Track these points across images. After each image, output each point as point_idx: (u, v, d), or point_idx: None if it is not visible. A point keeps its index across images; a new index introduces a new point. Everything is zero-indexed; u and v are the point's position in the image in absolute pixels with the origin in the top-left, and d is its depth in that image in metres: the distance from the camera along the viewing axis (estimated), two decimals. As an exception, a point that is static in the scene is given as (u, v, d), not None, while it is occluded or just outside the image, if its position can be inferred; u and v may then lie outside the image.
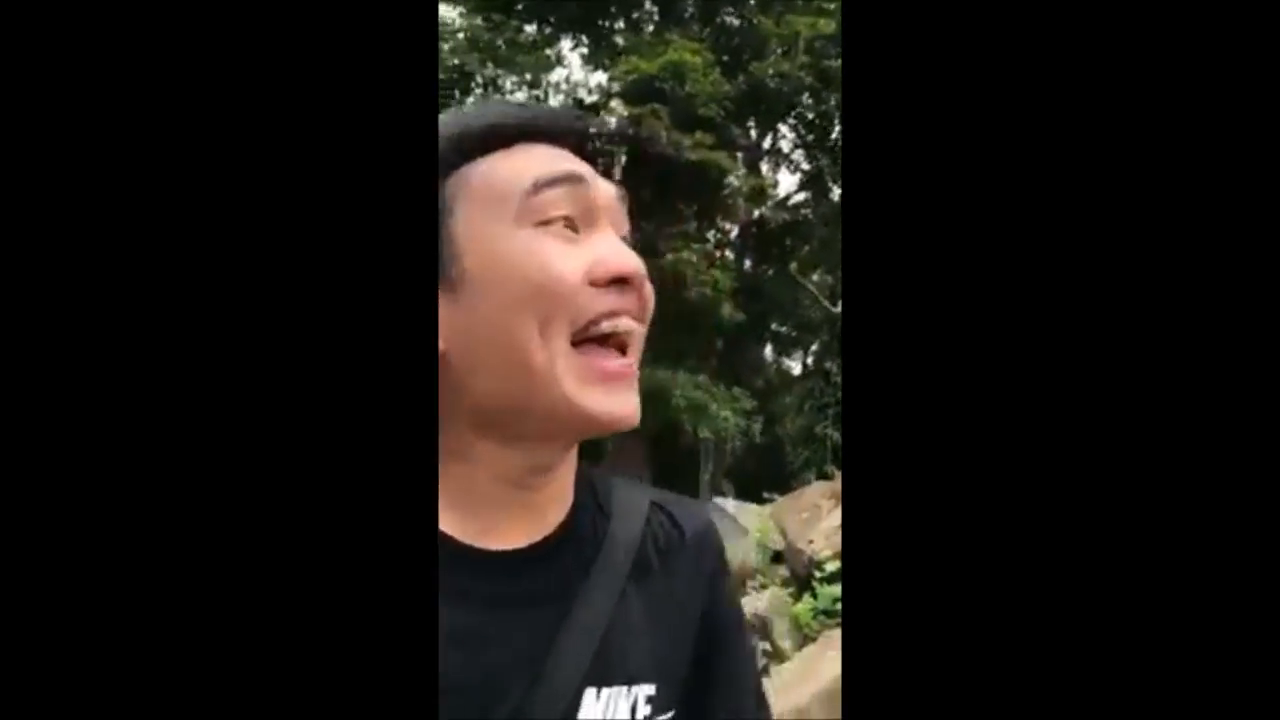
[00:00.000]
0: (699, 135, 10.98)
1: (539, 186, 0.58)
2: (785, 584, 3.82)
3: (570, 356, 0.58)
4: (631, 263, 0.60)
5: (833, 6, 12.19)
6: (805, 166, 14.25)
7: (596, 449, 11.00)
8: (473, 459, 0.61)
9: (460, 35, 12.34)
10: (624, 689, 0.62)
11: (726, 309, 11.39)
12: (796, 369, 16.11)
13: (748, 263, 13.85)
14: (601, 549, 0.65)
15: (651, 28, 13.47)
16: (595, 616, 0.62)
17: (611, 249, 0.60)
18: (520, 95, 12.12)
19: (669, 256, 10.59)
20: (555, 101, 12.12)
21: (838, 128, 13.20)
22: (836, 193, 14.00)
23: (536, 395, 0.57)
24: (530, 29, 13.33)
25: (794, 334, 15.74)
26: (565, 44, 14.13)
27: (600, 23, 13.76)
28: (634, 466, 10.96)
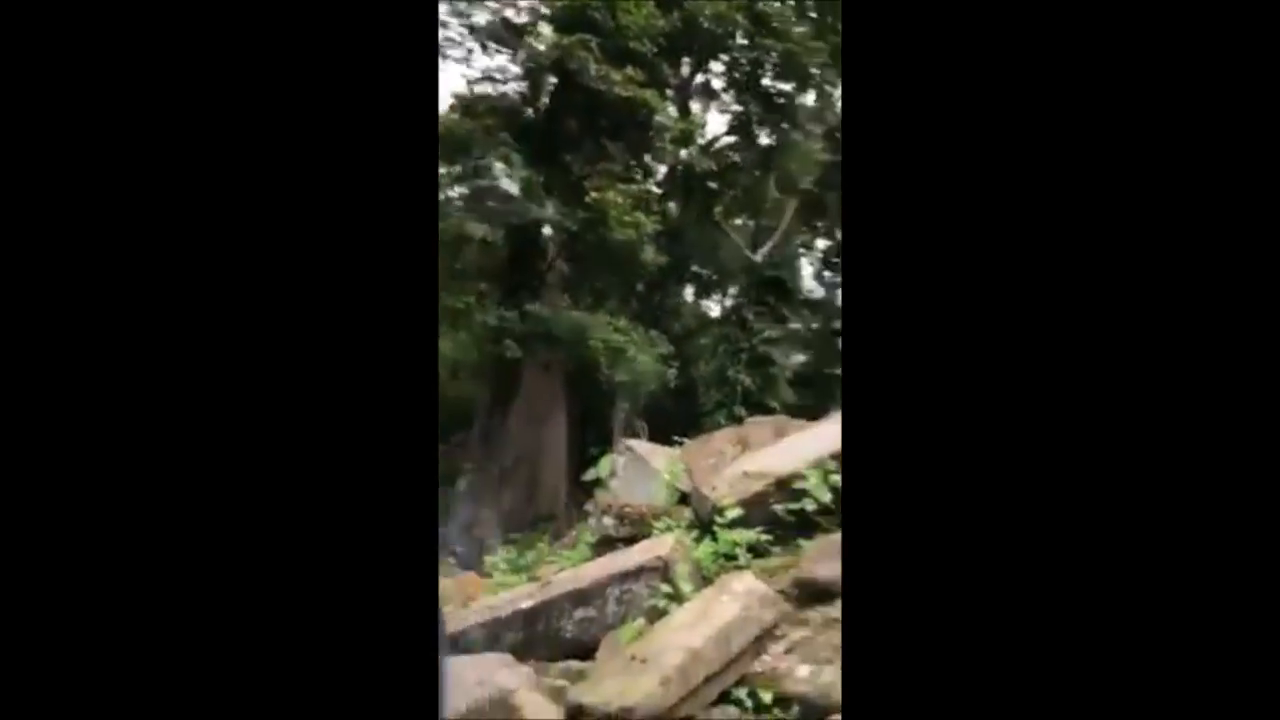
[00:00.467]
0: (630, 70, 10.71)
1: None
2: (689, 527, 3.95)
3: None
4: None
5: (769, -52, 11.94)
6: (735, 108, 14.11)
7: (513, 386, 10.91)
8: None
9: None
10: None
11: (649, 252, 11.32)
12: (715, 312, 16.23)
13: (672, 205, 13.75)
14: None
15: (587, -48, 12.90)
16: None
17: None
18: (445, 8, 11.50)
19: (594, 194, 10.42)
20: (482, 20, 11.56)
21: (770, 72, 13.08)
22: (763, 138, 13.95)
23: None
24: (462, -57, 12.59)
25: (715, 277, 15.78)
26: (497, -39, 13.41)
27: (535, -58, 13.11)
28: (550, 404, 10.95)
